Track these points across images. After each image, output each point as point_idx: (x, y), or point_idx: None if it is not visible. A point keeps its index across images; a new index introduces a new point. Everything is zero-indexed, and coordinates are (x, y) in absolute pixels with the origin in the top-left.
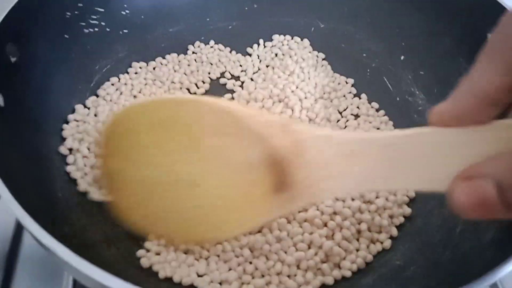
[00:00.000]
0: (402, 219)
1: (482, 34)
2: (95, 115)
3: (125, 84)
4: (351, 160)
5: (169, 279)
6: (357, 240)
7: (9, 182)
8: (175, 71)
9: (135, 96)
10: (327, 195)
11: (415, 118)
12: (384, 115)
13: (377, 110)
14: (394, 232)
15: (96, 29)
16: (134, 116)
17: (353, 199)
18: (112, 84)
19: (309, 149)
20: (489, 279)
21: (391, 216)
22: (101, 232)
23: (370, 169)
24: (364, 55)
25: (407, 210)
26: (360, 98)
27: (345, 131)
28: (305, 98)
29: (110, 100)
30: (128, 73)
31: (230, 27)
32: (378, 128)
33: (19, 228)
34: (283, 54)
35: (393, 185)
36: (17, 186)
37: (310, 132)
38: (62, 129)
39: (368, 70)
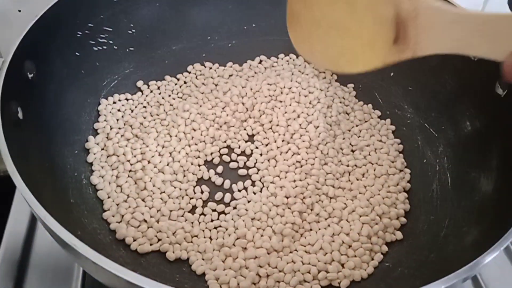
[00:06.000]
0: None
1: None
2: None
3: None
4: (452, 27)
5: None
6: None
7: (30, 187)
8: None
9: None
10: (428, 51)
11: (404, 131)
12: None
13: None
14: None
15: (105, 47)
16: None
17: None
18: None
19: (423, 15)
20: (465, 273)
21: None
22: (110, 235)
23: (464, 36)
24: None
25: (403, 220)
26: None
27: (452, 6)
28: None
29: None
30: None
31: (230, 45)
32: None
33: (29, 237)
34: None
35: (477, 52)
36: (36, 191)
37: (427, 3)
38: (73, 140)
39: (360, 86)
